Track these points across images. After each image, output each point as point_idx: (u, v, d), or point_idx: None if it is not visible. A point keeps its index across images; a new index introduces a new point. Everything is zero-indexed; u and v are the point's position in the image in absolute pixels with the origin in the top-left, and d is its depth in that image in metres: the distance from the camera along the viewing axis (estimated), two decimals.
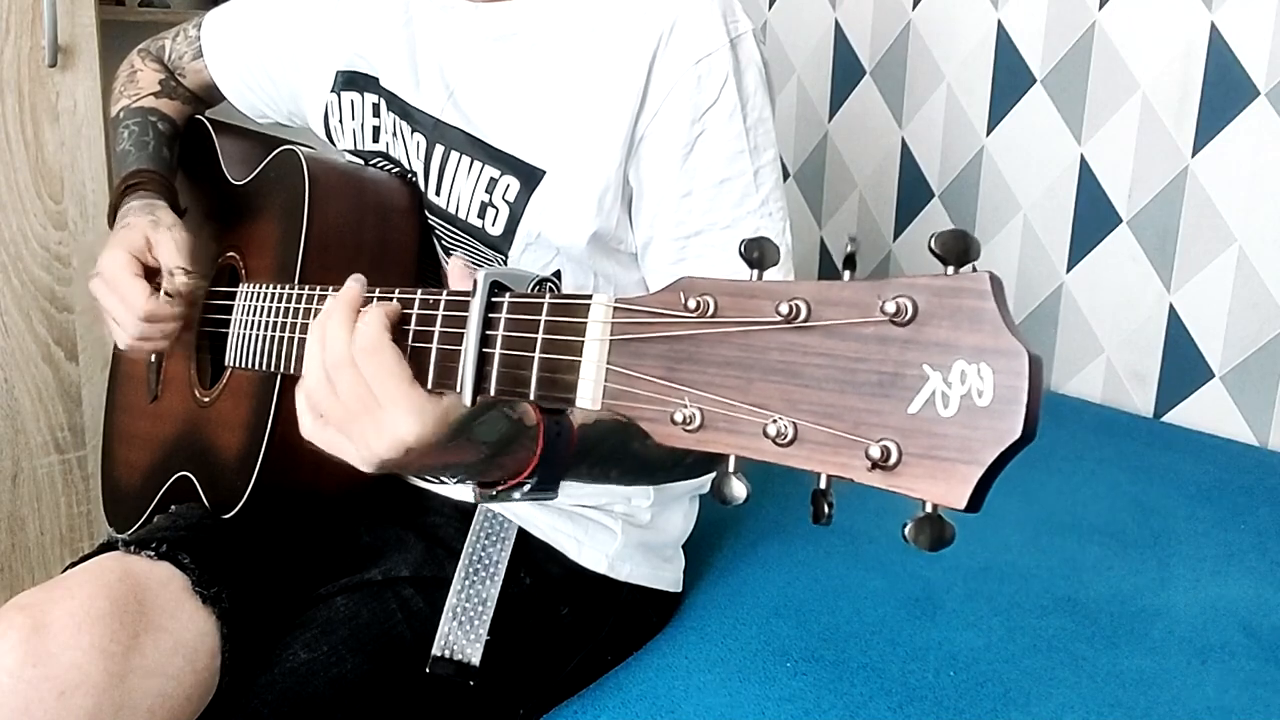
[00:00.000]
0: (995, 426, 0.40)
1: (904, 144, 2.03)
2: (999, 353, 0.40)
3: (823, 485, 0.45)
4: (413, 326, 0.66)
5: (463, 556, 0.96)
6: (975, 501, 0.40)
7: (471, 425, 0.66)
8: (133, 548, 0.87)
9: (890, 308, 0.43)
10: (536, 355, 0.56)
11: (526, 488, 0.71)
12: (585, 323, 0.54)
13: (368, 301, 0.67)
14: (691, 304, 0.49)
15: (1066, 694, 1.00)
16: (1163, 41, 1.62)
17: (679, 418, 0.48)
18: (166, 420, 1.10)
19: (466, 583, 0.94)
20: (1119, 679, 1.03)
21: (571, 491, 1.01)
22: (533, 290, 0.61)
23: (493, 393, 0.59)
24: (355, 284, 0.69)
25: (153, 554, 0.86)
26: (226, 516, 0.93)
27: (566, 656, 1.01)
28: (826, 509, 0.45)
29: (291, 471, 0.92)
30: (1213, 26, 1.57)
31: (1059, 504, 1.37)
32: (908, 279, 0.43)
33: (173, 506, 1.02)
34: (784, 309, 0.46)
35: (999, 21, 1.83)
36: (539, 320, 0.57)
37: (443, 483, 1.04)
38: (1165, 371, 1.69)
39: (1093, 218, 1.75)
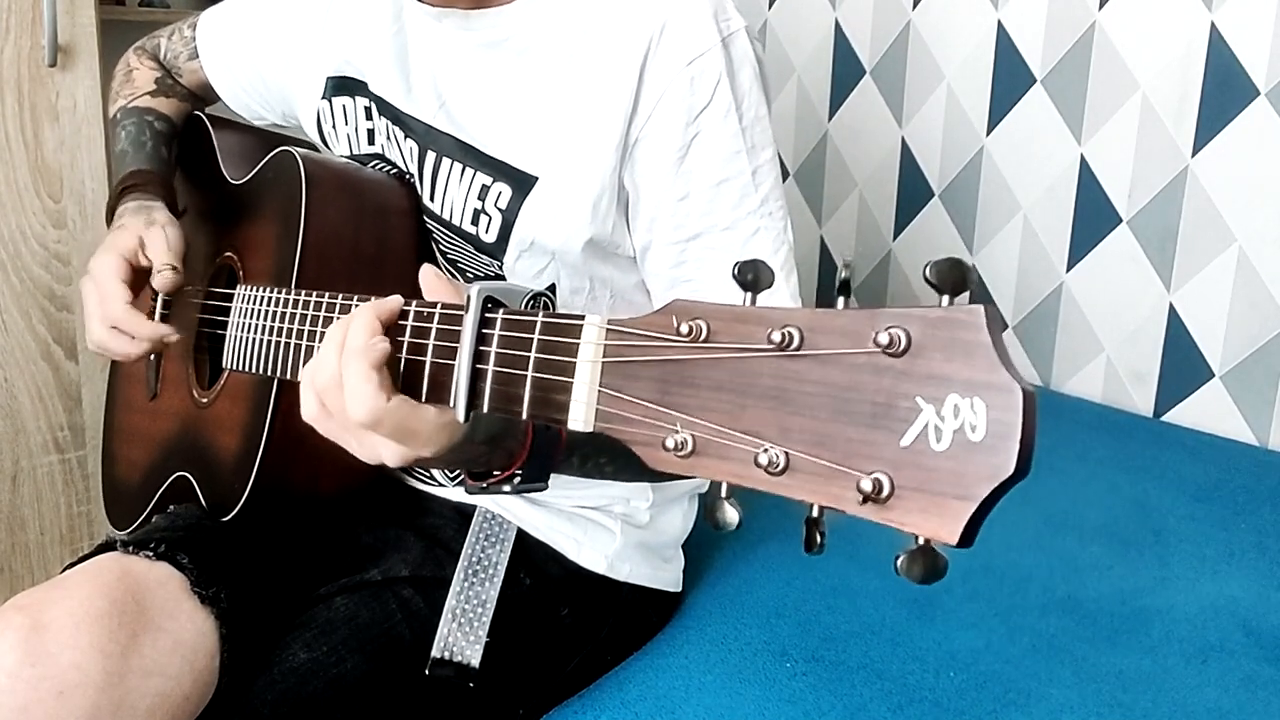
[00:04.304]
0: (988, 462, 0.40)
1: (904, 144, 2.03)
2: (993, 387, 0.40)
3: (815, 514, 0.45)
4: (407, 339, 0.66)
5: (462, 558, 0.96)
6: (968, 537, 0.40)
7: (474, 432, 0.66)
8: (131, 548, 0.87)
9: (884, 339, 0.42)
10: (529, 374, 0.56)
11: (517, 480, 0.71)
12: (578, 343, 0.54)
13: (404, 314, 0.67)
14: (684, 328, 0.49)
15: (1066, 694, 1.00)
16: (1163, 41, 1.62)
17: (670, 443, 0.48)
18: (166, 419, 1.10)
19: (466, 584, 0.94)
20: (1119, 679, 1.02)
21: (570, 492, 1.01)
22: (527, 306, 0.60)
23: (485, 409, 0.59)
24: (396, 300, 0.68)
25: (151, 554, 0.86)
26: (224, 519, 0.93)
27: (566, 657, 1.01)
28: (819, 538, 0.45)
29: (289, 474, 0.92)
30: (1213, 26, 1.57)
31: (1059, 503, 1.37)
32: (902, 310, 0.43)
33: (171, 507, 1.02)
34: (776, 336, 0.45)
35: (999, 21, 1.83)
36: (532, 339, 0.57)
37: (440, 484, 1.04)
38: (1165, 371, 1.69)
39: (1093, 218, 1.75)
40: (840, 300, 0.45)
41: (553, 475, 0.74)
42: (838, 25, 2.10)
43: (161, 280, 0.98)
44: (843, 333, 0.44)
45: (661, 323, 0.50)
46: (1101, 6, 1.69)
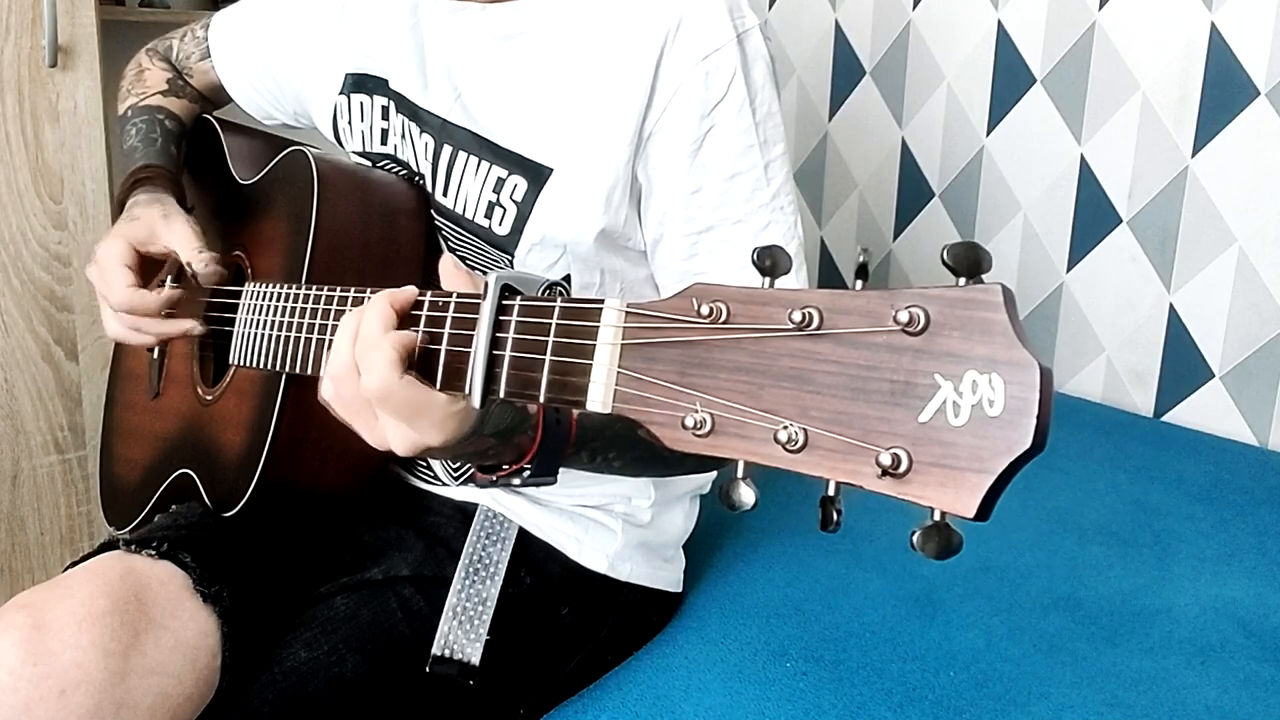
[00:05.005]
0: (1005, 436, 0.40)
1: (904, 144, 2.03)
2: (1010, 364, 0.41)
3: (831, 492, 0.45)
4: (421, 328, 0.66)
5: (463, 556, 0.96)
6: (984, 510, 0.41)
7: (483, 423, 0.67)
8: (133, 547, 0.87)
9: (903, 317, 0.43)
10: (547, 358, 0.57)
11: (526, 474, 0.71)
12: (597, 326, 0.54)
13: (419, 304, 0.67)
14: (704, 310, 0.49)
15: (1067, 693, 1.00)
16: (1163, 41, 1.63)
17: (690, 422, 0.48)
18: (168, 417, 1.10)
19: (466, 582, 0.94)
20: (1119, 679, 1.03)
21: (572, 491, 1.01)
22: (543, 294, 0.61)
23: (501, 395, 0.60)
24: (411, 290, 0.68)
25: (153, 553, 0.86)
26: (227, 515, 0.93)
27: (566, 656, 1.01)
28: (835, 516, 0.45)
29: (294, 470, 0.92)
30: (1213, 26, 1.57)
31: (1059, 503, 1.37)
32: (920, 289, 0.43)
33: (173, 505, 1.02)
34: (796, 316, 0.46)
35: (999, 21, 1.84)
36: (550, 324, 0.57)
37: (442, 483, 1.04)
38: (1165, 371, 1.69)
39: (1093, 218, 1.75)
40: (858, 284, 0.46)
41: (561, 470, 0.74)
42: (838, 25, 2.11)
43: (207, 275, 0.97)
44: (862, 312, 0.44)
45: (681, 305, 0.50)
46: (1101, 6, 1.69)
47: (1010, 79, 1.83)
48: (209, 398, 1.03)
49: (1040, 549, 1.27)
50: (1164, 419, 1.70)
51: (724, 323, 0.48)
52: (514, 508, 1.00)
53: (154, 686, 0.80)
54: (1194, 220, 1.62)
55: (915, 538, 0.42)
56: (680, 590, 1.13)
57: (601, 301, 0.54)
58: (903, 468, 0.42)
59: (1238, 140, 1.56)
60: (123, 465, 1.18)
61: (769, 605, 1.13)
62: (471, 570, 0.95)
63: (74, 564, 0.88)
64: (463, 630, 0.92)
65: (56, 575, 0.86)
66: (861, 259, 0.46)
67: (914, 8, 1.97)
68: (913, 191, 2.03)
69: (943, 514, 0.42)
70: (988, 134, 1.88)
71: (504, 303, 0.60)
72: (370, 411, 0.66)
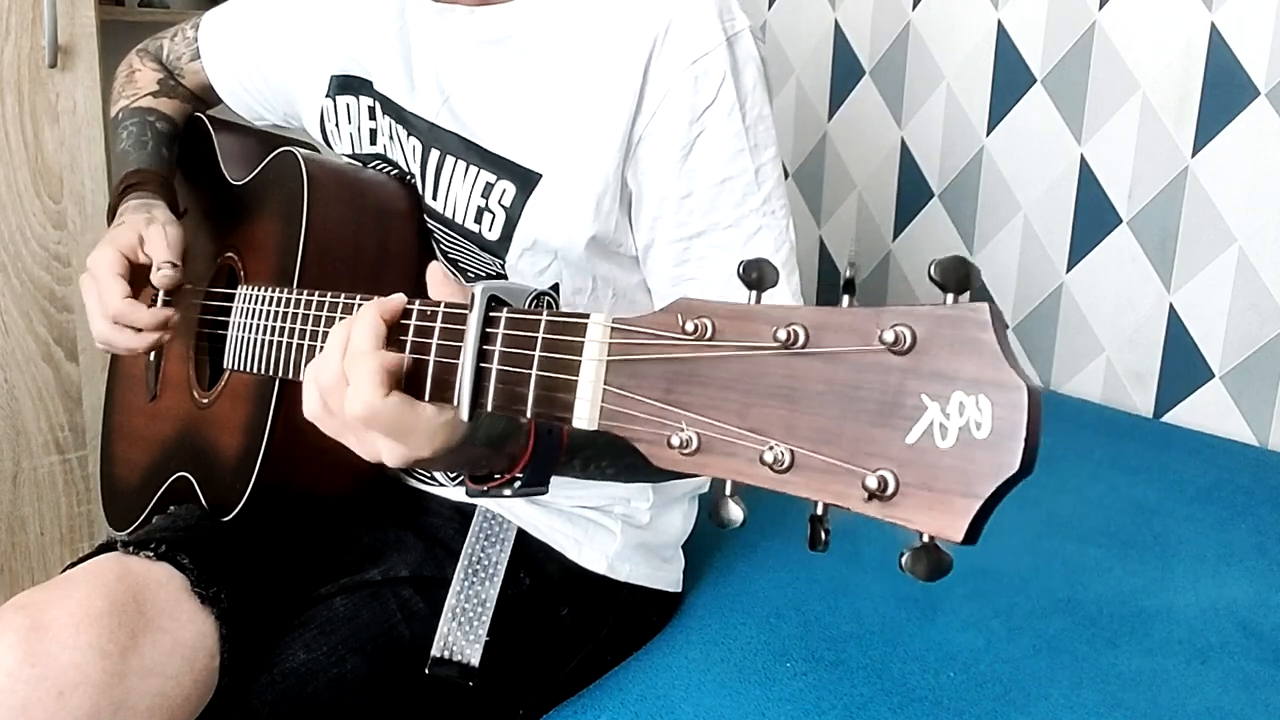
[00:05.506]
0: (993, 459, 0.40)
1: (903, 144, 2.03)
2: (998, 385, 0.40)
3: (819, 511, 0.45)
4: (410, 338, 0.66)
5: (462, 557, 0.96)
6: (973, 534, 0.40)
7: (474, 433, 0.66)
8: (131, 548, 0.87)
9: (889, 336, 0.42)
10: (534, 373, 0.56)
11: (517, 484, 0.71)
12: (582, 342, 0.54)
13: (407, 314, 0.67)
14: (689, 326, 0.49)
15: (1066, 694, 1.00)
16: (1163, 41, 1.62)
17: (676, 441, 0.48)
18: (166, 420, 1.10)
19: (466, 584, 0.94)
20: (1119, 679, 1.03)
21: (571, 492, 1.01)
22: (530, 305, 0.60)
23: (489, 408, 0.59)
24: (400, 299, 0.68)
25: (152, 554, 0.87)
26: (225, 519, 0.93)
27: (566, 657, 1.01)
28: (823, 535, 0.45)
29: (290, 474, 0.92)
30: (1213, 26, 1.57)
31: (1059, 504, 1.37)
32: (907, 308, 0.43)
33: (171, 507, 1.02)
34: (782, 334, 0.45)
35: (999, 21, 1.83)
36: (536, 338, 0.57)
37: (440, 484, 1.04)
38: (1165, 371, 1.69)
39: (1093, 218, 1.75)
40: (845, 299, 0.45)
41: (553, 478, 0.74)
42: (837, 25, 2.10)
43: (160, 278, 0.98)
44: (848, 330, 0.44)
45: (667, 321, 0.50)
46: (1101, 6, 1.69)
47: (1010, 79, 1.83)
48: (205, 401, 1.03)
49: (1040, 550, 1.27)
50: (1164, 419, 1.70)
51: (709, 339, 0.48)
52: (513, 509, 1.00)
53: (152, 688, 0.80)
54: (1194, 220, 1.62)
55: (904, 560, 0.42)
56: (680, 590, 1.13)
57: (587, 316, 0.54)
58: (890, 490, 0.42)
59: (1238, 140, 1.56)
60: (123, 467, 1.18)
61: (769, 605, 1.12)
62: (470, 571, 0.95)
63: (72, 565, 0.88)
64: (462, 631, 0.92)
65: (56, 575, 0.86)
66: (849, 273, 0.46)
67: (914, 8, 1.97)
68: (912, 192, 2.03)
69: (931, 536, 0.41)
70: (988, 134, 1.88)
71: (491, 314, 0.60)
72: (360, 425, 0.66)
